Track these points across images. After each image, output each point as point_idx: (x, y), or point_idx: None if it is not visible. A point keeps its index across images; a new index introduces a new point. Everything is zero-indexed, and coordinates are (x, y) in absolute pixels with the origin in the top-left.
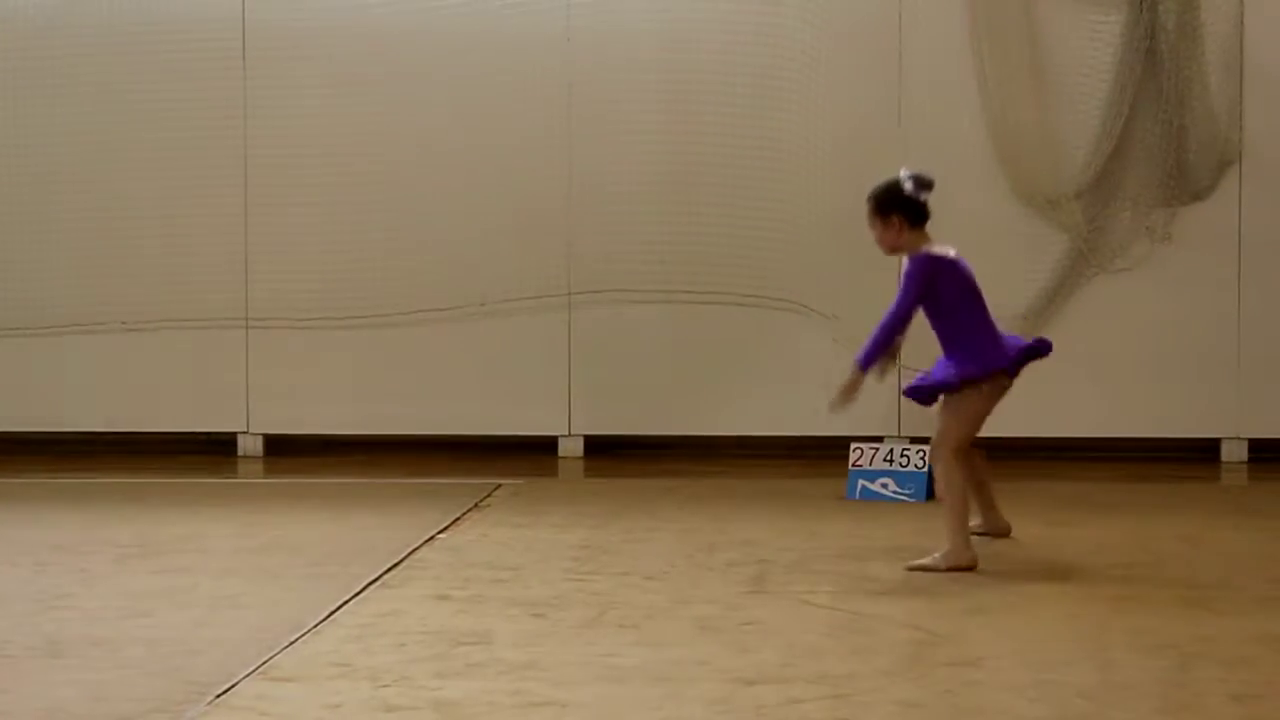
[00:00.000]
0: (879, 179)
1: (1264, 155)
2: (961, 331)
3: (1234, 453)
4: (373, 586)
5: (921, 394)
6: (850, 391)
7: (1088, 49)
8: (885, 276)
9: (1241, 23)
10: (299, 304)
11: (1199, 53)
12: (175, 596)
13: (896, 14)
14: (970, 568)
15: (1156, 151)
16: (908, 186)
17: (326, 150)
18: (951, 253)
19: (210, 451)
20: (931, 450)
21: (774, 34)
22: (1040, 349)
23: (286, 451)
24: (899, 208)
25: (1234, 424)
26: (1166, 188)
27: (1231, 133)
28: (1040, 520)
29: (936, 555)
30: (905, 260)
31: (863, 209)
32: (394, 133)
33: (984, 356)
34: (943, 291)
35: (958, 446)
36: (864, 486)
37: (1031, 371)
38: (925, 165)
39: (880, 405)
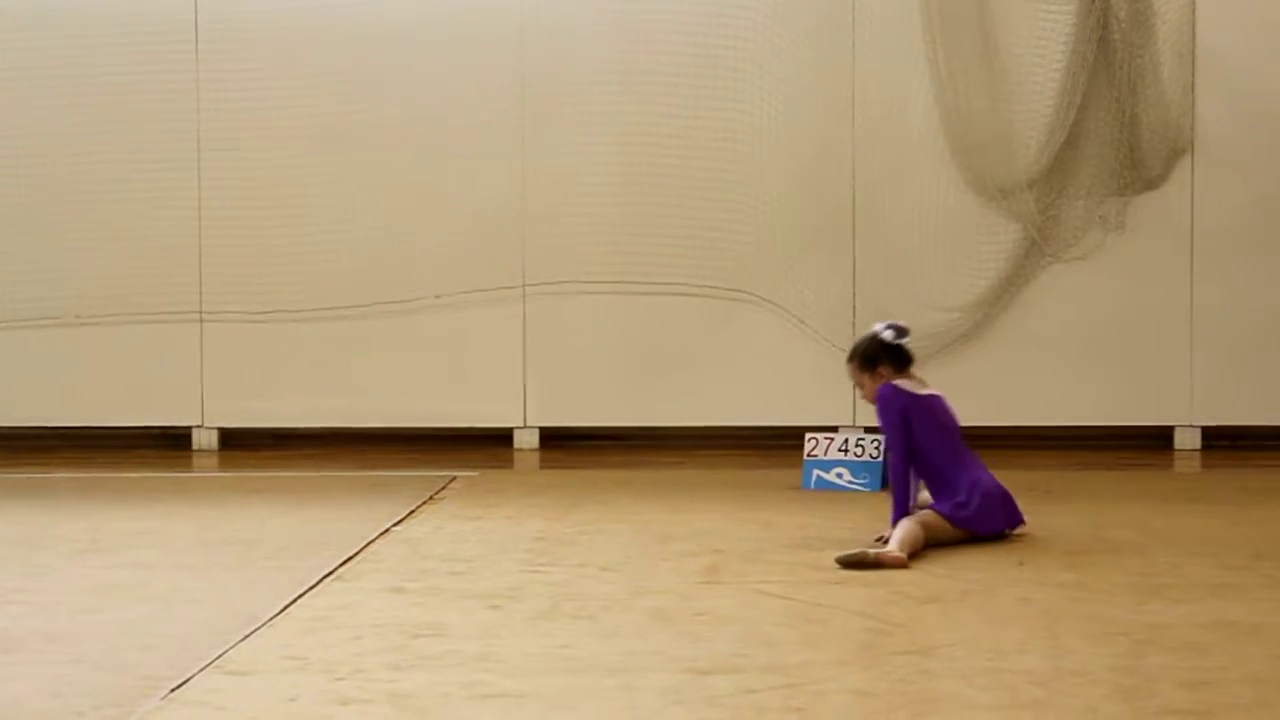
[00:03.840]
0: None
1: (1216, 144)
2: (944, 473)
3: (1187, 440)
4: (328, 579)
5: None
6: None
7: (1040, 39)
8: (840, 264)
9: (1193, 12)
10: (253, 297)
11: (1151, 42)
12: (129, 591)
13: (850, 6)
14: (902, 566)
15: (1109, 141)
16: (887, 336)
17: (281, 143)
18: (923, 389)
19: (164, 446)
20: (907, 527)
21: (728, 26)
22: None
23: (241, 445)
24: (885, 358)
25: (1187, 412)
26: (1119, 177)
27: (1183, 121)
28: None
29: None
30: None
31: (814, 198)
32: (348, 125)
33: (974, 510)
34: (915, 429)
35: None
36: (819, 476)
37: (986, 361)
38: (877, 154)
39: (835, 395)
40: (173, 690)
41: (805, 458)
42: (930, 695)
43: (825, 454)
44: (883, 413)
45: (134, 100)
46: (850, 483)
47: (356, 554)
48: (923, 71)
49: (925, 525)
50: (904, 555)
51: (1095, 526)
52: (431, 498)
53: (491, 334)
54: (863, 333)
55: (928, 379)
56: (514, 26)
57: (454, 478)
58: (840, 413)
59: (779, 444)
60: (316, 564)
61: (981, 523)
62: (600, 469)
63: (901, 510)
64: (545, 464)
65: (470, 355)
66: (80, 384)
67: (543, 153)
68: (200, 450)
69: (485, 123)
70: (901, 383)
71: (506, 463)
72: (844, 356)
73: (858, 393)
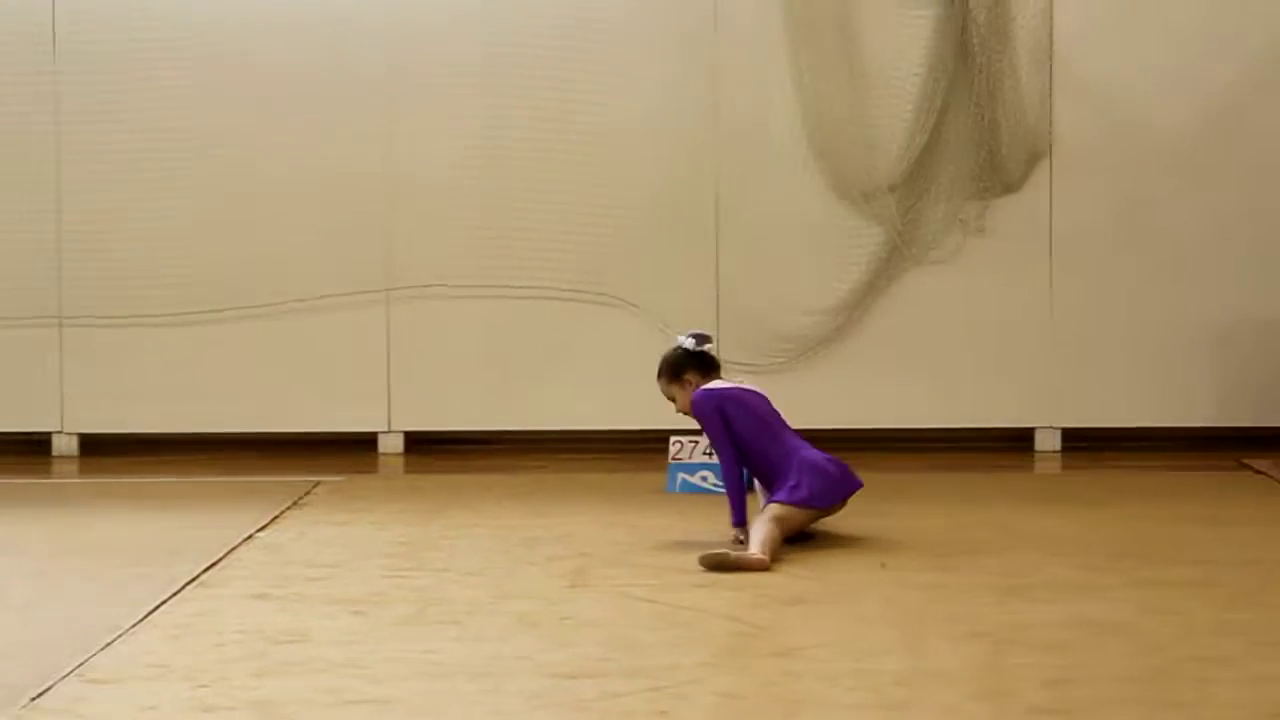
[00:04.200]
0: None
1: (1073, 148)
2: (773, 464)
3: (1047, 442)
4: (190, 586)
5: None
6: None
7: (901, 43)
8: (703, 268)
9: (1051, 18)
10: (113, 301)
11: (1009, 48)
12: None
13: (713, 9)
14: (764, 568)
15: (969, 145)
16: (689, 344)
17: (140, 143)
18: (729, 383)
19: (24, 451)
20: (761, 528)
21: (590, 25)
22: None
23: (102, 451)
24: (690, 366)
25: (1047, 413)
26: (979, 180)
27: (1041, 126)
28: (857, 511)
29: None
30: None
31: (678, 202)
32: (208, 125)
33: (808, 488)
34: (737, 427)
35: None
36: (684, 479)
37: (849, 363)
38: (740, 158)
39: None
40: (33, 699)
41: (670, 461)
42: (796, 697)
43: (690, 457)
44: (701, 416)
45: None
46: (715, 485)
47: (219, 560)
48: (785, 76)
49: (777, 520)
50: (765, 557)
51: (957, 528)
52: (295, 503)
53: (355, 338)
54: (662, 356)
55: (804, 380)
56: (377, 25)
57: (318, 483)
58: None
59: (644, 448)
60: (178, 571)
61: (821, 498)
62: (465, 473)
63: (740, 511)
64: (410, 469)
65: (334, 359)
66: None
67: (407, 154)
68: (60, 456)
69: (348, 124)
70: (712, 384)
71: (371, 468)
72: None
73: (673, 408)
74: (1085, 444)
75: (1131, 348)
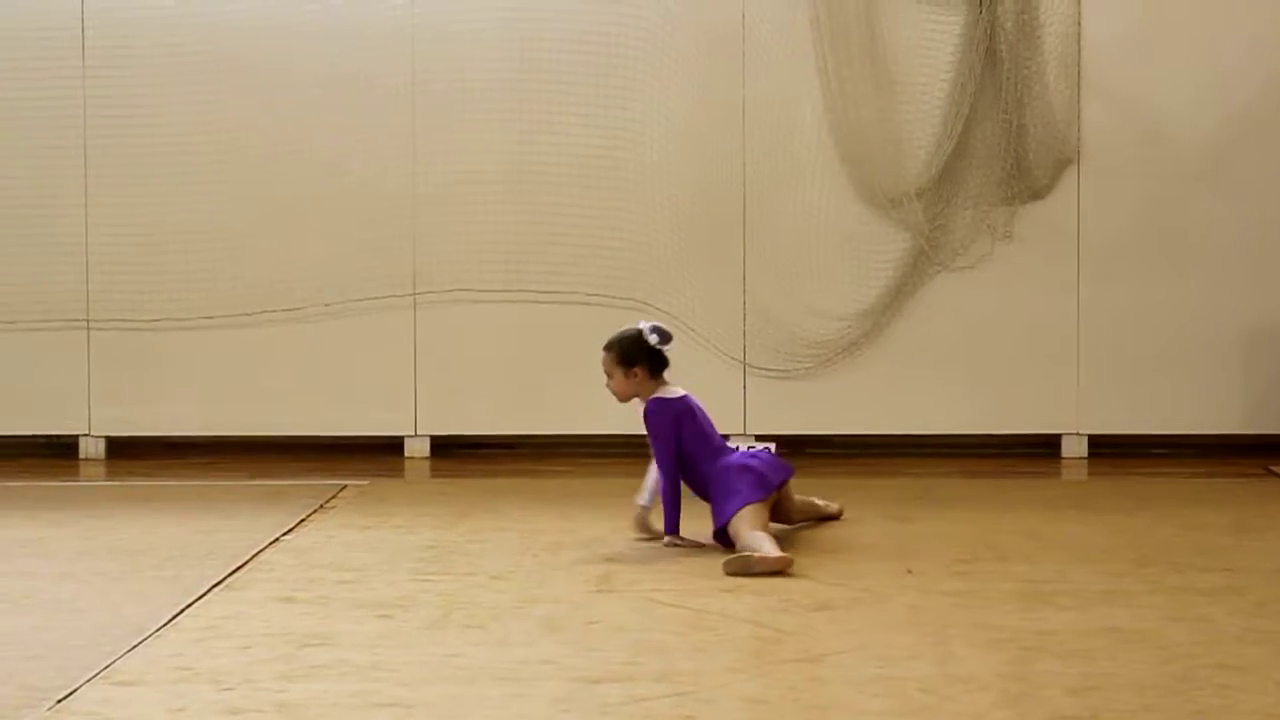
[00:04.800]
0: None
1: (1101, 154)
2: (706, 475)
3: (1074, 448)
4: (216, 589)
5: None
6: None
7: (928, 48)
8: (730, 272)
9: (1079, 23)
10: (141, 304)
11: (1037, 53)
12: (14, 601)
13: (740, 13)
14: (788, 564)
15: (996, 150)
16: (652, 339)
17: (168, 148)
18: (679, 391)
19: (51, 455)
20: (755, 532)
21: (618, 32)
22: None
23: (129, 454)
24: (644, 359)
25: (1074, 420)
26: (1006, 186)
27: (1069, 132)
28: (883, 516)
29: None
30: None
31: (705, 208)
32: (236, 130)
33: (746, 483)
34: (684, 437)
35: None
36: None
37: (875, 369)
38: (768, 164)
39: (725, 404)
40: (59, 701)
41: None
42: (821, 702)
43: None
44: (655, 427)
45: (19, 110)
46: None
47: (246, 563)
48: (812, 81)
49: (754, 518)
50: (785, 555)
51: (983, 534)
52: (321, 507)
53: (382, 342)
54: (627, 326)
55: (831, 385)
56: (404, 31)
57: (344, 486)
58: (730, 421)
59: None
60: (205, 573)
61: (768, 482)
62: (491, 477)
63: (674, 518)
64: (436, 473)
65: (361, 363)
66: None
67: (434, 159)
68: (87, 459)
69: (376, 129)
70: (661, 392)
71: (397, 471)
72: (735, 365)
73: (604, 381)
74: (1112, 450)
75: (1158, 354)
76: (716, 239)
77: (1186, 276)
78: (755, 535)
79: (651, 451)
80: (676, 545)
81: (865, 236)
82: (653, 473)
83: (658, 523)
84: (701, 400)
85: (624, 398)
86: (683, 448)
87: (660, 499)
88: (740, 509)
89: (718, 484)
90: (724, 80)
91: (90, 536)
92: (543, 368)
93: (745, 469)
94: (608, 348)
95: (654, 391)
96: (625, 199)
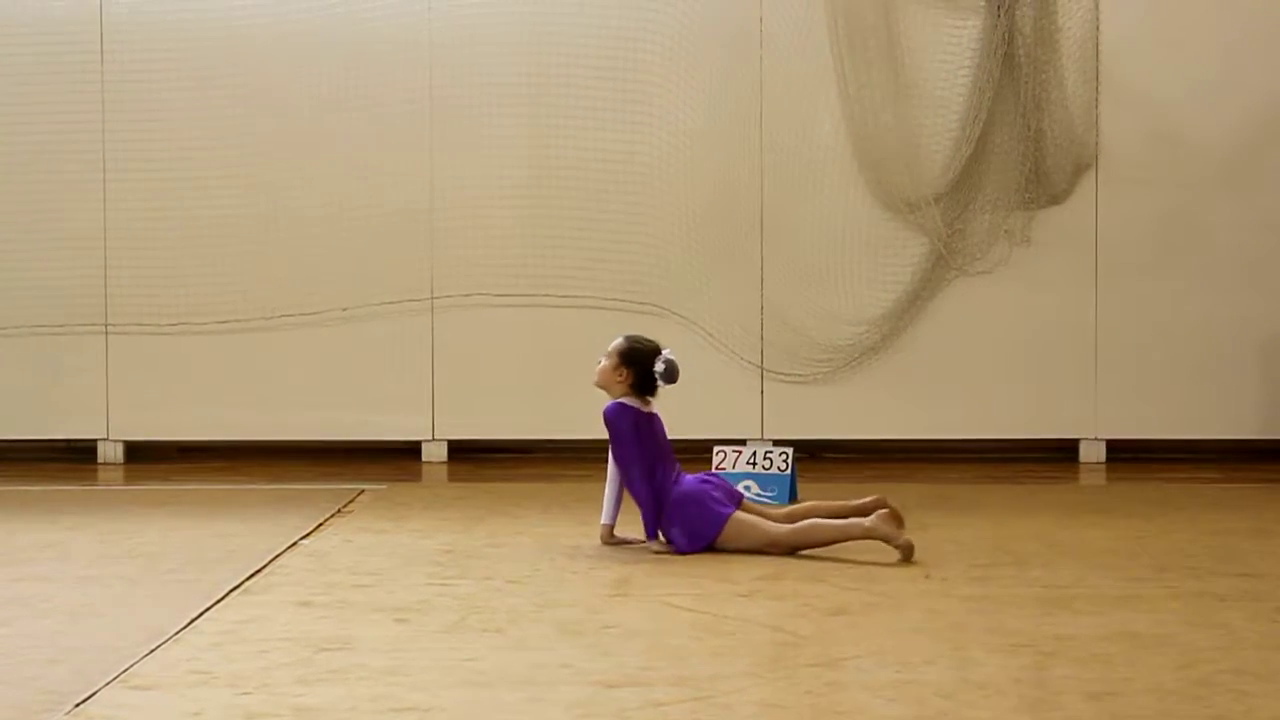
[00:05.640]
0: (740, 184)
1: (1119, 159)
2: (665, 488)
3: (1092, 453)
4: (234, 593)
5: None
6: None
7: (946, 54)
8: (748, 277)
9: (1097, 28)
10: (159, 309)
11: (1055, 58)
12: (33, 605)
13: (758, 18)
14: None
15: (1014, 155)
16: (658, 367)
17: (187, 154)
18: (651, 410)
19: (70, 459)
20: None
21: (635, 39)
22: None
23: (147, 458)
24: (639, 374)
25: (1092, 425)
26: (1024, 191)
27: (1087, 137)
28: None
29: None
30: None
31: (723, 212)
32: (255, 137)
33: (701, 528)
34: (641, 441)
35: (774, 540)
36: None
37: (893, 374)
38: (785, 169)
39: (743, 409)
40: (77, 705)
41: (714, 470)
42: (838, 707)
43: (733, 467)
44: (614, 427)
45: (38, 116)
46: (758, 495)
47: (263, 567)
48: (830, 86)
49: (763, 520)
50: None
51: (1001, 539)
52: (339, 511)
53: (400, 347)
54: (657, 339)
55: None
56: (422, 39)
57: (362, 491)
58: (747, 426)
59: (687, 457)
60: (223, 577)
61: (736, 494)
62: (508, 482)
63: (653, 520)
64: (453, 477)
65: (378, 368)
66: None
67: (451, 165)
68: (106, 463)
69: (394, 135)
70: (629, 400)
71: (414, 476)
72: (752, 369)
73: (600, 360)
74: (1130, 455)
75: (1177, 359)
76: (734, 244)
77: (1204, 281)
78: (831, 524)
79: (611, 457)
80: (661, 553)
81: (883, 241)
82: (611, 489)
83: (627, 533)
84: (718, 405)
85: (600, 383)
86: (640, 452)
87: (616, 508)
88: (750, 518)
89: (689, 498)
90: (741, 85)
91: (108, 541)
92: (560, 373)
93: (711, 484)
94: (625, 338)
95: (623, 398)
96: (642, 204)
